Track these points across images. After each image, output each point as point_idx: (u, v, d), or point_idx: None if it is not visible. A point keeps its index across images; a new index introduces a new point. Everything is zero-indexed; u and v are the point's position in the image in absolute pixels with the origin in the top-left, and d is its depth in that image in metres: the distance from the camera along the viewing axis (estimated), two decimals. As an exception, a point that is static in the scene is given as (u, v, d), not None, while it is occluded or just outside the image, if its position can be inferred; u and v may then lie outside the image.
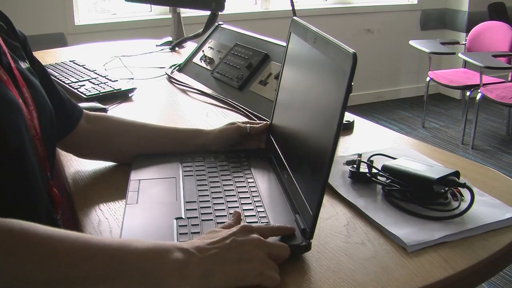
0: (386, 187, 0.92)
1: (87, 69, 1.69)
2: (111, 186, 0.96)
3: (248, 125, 1.07)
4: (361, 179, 0.96)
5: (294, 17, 0.98)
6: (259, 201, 0.85)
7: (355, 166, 0.97)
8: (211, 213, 0.81)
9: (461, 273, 0.72)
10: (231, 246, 0.66)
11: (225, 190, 0.89)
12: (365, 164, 0.97)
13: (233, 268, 0.65)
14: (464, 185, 0.87)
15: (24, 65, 0.90)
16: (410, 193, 0.89)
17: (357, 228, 0.82)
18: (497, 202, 0.89)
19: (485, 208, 0.86)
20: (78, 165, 1.06)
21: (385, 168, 0.94)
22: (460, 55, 3.60)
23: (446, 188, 0.89)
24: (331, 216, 0.86)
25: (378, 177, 0.95)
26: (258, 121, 1.12)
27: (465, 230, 0.80)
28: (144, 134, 1.06)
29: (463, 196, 0.89)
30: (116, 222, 0.84)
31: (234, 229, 0.69)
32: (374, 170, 0.96)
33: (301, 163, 0.84)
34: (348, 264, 0.73)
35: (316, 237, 0.79)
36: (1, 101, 0.76)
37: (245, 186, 0.90)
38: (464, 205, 0.86)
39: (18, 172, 0.77)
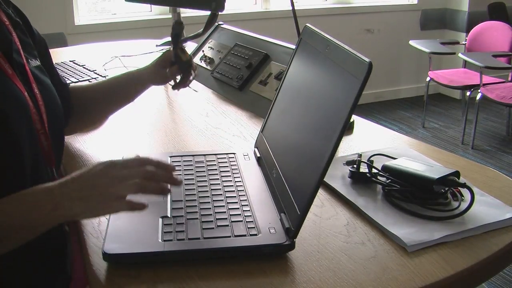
0: (386, 187, 0.92)
1: (87, 69, 1.69)
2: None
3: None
4: (361, 179, 0.96)
5: (307, 24, 0.99)
6: (245, 200, 0.86)
7: (355, 166, 0.97)
8: (196, 212, 0.82)
9: (461, 273, 0.72)
10: (87, 181, 0.71)
11: (212, 190, 0.89)
12: (365, 164, 0.97)
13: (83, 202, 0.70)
14: (464, 185, 0.87)
15: (34, 63, 0.93)
16: (410, 193, 0.89)
17: (357, 228, 0.83)
18: (497, 202, 0.89)
19: (485, 208, 0.86)
20: (77, 165, 1.06)
21: (385, 168, 0.94)
22: (460, 55, 3.59)
23: (446, 188, 0.89)
24: (331, 216, 0.86)
25: (378, 177, 0.95)
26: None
27: (465, 230, 0.80)
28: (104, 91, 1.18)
29: (463, 196, 0.90)
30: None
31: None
32: (374, 170, 0.96)
33: (294, 164, 0.84)
34: (348, 264, 0.73)
35: (316, 237, 0.79)
36: (5, 96, 0.79)
37: (232, 186, 0.91)
38: (464, 205, 0.86)
39: (14, 165, 0.78)
